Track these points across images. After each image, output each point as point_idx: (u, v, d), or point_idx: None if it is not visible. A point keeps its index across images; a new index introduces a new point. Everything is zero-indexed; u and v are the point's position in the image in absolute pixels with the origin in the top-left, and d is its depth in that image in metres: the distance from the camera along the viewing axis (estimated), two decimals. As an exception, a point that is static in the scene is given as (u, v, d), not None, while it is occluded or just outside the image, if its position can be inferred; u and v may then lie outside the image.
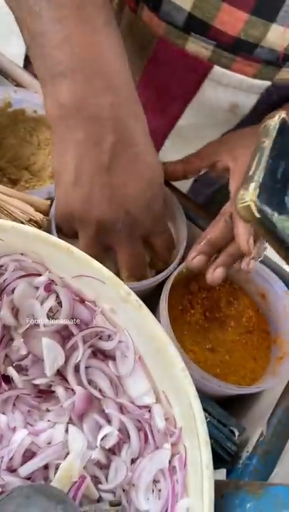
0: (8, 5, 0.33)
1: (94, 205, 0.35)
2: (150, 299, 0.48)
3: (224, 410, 0.41)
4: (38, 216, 0.41)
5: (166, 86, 0.47)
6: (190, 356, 0.43)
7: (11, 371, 0.32)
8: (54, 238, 0.31)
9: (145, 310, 0.30)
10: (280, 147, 0.25)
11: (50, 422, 0.31)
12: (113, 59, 0.33)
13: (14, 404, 0.32)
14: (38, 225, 0.41)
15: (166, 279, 0.44)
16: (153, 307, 0.47)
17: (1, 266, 0.33)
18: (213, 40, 0.41)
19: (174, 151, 0.52)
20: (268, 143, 0.24)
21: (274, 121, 0.25)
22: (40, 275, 0.33)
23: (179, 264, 0.44)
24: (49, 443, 0.30)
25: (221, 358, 0.44)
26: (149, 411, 0.31)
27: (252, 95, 0.45)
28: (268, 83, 0.43)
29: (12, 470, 0.29)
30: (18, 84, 0.52)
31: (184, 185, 0.58)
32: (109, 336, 0.34)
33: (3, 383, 0.32)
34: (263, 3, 0.37)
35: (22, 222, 0.40)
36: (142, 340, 0.31)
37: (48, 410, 0.32)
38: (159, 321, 0.43)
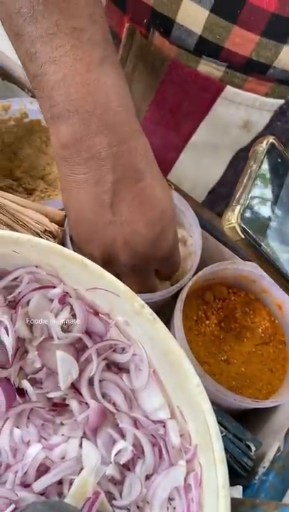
0: (11, 43, 0.33)
1: (98, 243, 0.36)
2: (164, 309, 0.47)
3: (240, 424, 0.40)
4: (53, 227, 0.41)
5: (179, 105, 0.48)
6: (205, 368, 0.42)
7: (26, 384, 0.32)
8: (68, 251, 0.31)
9: (159, 323, 0.29)
10: (267, 171, 0.25)
11: (64, 437, 0.31)
12: (109, 96, 0.32)
13: (28, 418, 0.31)
14: (52, 235, 0.41)
15: (181, 289, 0.43)
16: (167, 318, 0.47)
17: (16, 278, 0.33)
18: (225, 62, 0.41)
19: (189, 163, 0.52)
20: (255, 167, 0.25)
21: (262, 146, 0.26)
22: (54, 287, 0.33)
23: (194, 274, 0.43)
24: (63, 458, 0.30)
25: (236, 369, 0.43)
26: (164, 426, 0.31)
27: (265, 112, 0.45)
28: (281, 101, 0.43)
29: (26, 485, 0.29)
30: (34, 95, 0.53)
31: (199, 197, 0.57)
32: (123, 349, 0.34)
33: (17, 396, 0.32)
34: (274, 25, 0.37)
35: (37, 233, 0.40)
36: (156, 353, 0.31)
37: (62, 424, 0.32)
38: (174, 333, 0.43)
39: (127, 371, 0.34)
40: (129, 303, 0.30)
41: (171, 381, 0.30)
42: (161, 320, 0.30)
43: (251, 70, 0.41)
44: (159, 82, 0.46)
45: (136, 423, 0.32)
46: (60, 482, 0.29)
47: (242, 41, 0.39)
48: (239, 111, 0.45)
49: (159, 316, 0.31)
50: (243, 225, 0.24)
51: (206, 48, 0.40)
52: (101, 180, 0.33)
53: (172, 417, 0.31)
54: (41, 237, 0.40)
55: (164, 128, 0.50)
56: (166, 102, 0.48)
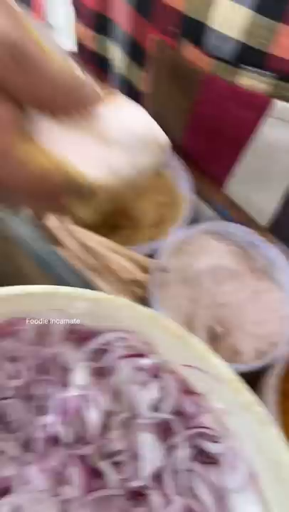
0: None
1: None
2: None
3: None
4: (142, 277, 0.38)
5: (218, 129, 0.42)
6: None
7: (105, 467, 0.28)
8: (168, 322, 0.27)
9: (274, 429, 0.25)
10: None
11: (142, 536, 0.27)
12: None
13: (104, 507, 0.28)
14: (141, 286, 0.38)
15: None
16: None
17: (105, 343, 0.30)
18: (272, 71, 0.35)
19: (236, 200, 0.46)
20: None
21: None
22: (145, 356, 0.29)
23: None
24: None
25: None
26: None
27: None
28: None
29: None
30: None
31: None
32: (214, 437, 0.29)
33: (93, 480, 0.28)
34: None
35: (125, 283, 0.37)
36: (262, 460, 0.26)
37: (141, 520, 0.28)
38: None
39: (219, 464, 0.29)
40: (235, 394, 0.26)
41: (281, 500, 0.25)
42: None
43: None
44: (193, 103, 0.41)
45: (226, 533, 0.27)
46: None
47: None
48: None
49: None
50: None
51: (247, 55, 0.35)
52: None
53: (274, 539, 0.26)
54: (129, 287, 0.37)
55: (205, 160, 0.45)
56: (204, 127, 0.42)
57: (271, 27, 0.32)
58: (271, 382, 0.37)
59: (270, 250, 0.44)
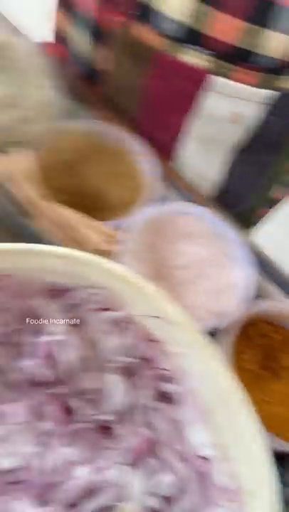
0: None
1: None
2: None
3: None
4: (108, 247, 0.42)
5: (167, 99, 0.48)
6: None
7: (77, 403, 0.32)
8: (131, 275, 0.31)
9: (223, 366, 0.29)
10: None
11: (109, 461, 0.31)
12: None
13: (77, 439, 0.32)
14: (106, 255, 0.42)
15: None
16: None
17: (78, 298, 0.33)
18: (210, 50, 0.41)
19: (184, 165, 0.53)
20: None
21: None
22: (113, 310, 0.33)
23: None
24: (107, 483, 0.30)
25: (276, 410, 0.43)
26: (210, 464, 0.31)
27: (254, 104, 0.44)
28: (270, 92, 0.43)
29: (69, 507, 0.29)
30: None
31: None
32: (173, 379, 0.34)
33: (67, 416, 0.32)
34: (258, 10, 0.36)
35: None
36: (212, 390, 0.31)
37: (108, 448, 0.32)
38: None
39: (175, 402, 0.33)
40: (187, 336, 0.30)
41: (224, 418, 0.30)
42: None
43: (237, 58, 0.41)
44: (145, 76, 0.46)
45: (181, 457, 0.32)
46: (103, 510, 0.29)
47: (225, 27, 0.39)
48: (227, 103, 0.45)
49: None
50: None
51: (188, 35, 0.41)
52: None
53: (221, 456, 0.30)
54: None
55: (157, 129, 0.51)
56: (155, 99, 0.48)
57: (209, 13, 0.38)
58: (224, 349, 0.41)
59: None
